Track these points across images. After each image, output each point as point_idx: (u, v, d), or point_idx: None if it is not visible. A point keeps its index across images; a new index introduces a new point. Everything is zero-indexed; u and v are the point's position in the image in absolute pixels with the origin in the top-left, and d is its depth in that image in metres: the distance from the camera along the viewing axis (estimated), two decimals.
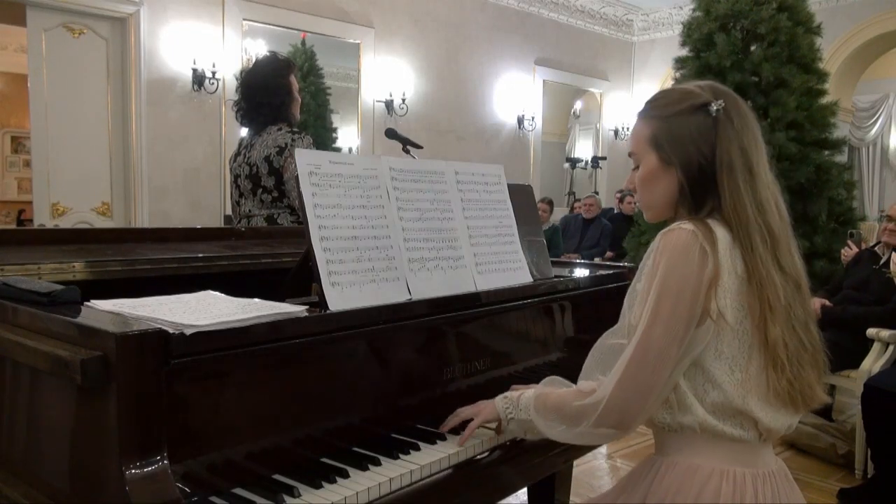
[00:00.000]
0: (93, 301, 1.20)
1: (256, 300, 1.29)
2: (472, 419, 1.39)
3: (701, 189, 1.24)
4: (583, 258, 6.35)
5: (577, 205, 8.00)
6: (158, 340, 1.02)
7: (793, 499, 1.23)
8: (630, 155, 1.35)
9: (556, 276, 1.90)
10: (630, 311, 1.25)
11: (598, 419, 1.20)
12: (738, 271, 1.18)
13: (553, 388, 1.34)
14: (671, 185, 1.27)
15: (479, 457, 1.38)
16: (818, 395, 1.24)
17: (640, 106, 1.36)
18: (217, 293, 1.35)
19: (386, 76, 6.45)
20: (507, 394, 1.37)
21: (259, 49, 5.58)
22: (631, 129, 1.36)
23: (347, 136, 6.46)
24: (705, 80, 1.33)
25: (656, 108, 1.30)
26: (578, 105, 9.06)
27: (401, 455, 1.29)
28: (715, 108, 1.24)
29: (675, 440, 1.23)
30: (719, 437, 1.19)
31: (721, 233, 1.18)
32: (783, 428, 1.23)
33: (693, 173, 1.24)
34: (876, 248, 3.71)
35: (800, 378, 1.19)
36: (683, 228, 1.17)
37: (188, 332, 1.05)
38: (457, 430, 1.42)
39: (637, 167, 1.33)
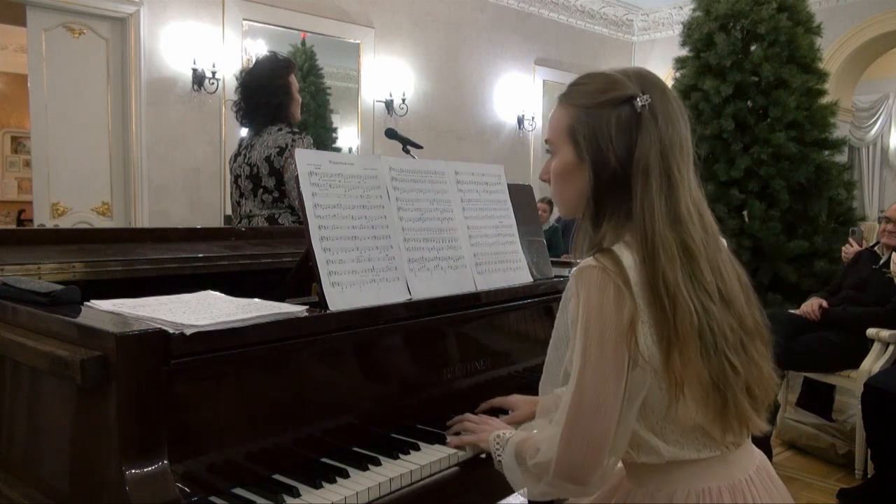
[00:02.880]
0: (93, 301, 1.20)
1: (256, 300, 1.29)
2: (471, 433, 1.36)
3: (607, 193, 1.13)
4: None
5: None
6: (158, 340, 1.02)
7: (776, 497, 1.19)
8: (546, 142, 1.23)
9: (556, 276, 1.90)
10: (560, 350, 1.17)
11: (554, 477, 1.10)
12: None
13: (533, 433, 1.23)
14: (585, 182, 1.14)
15: (479, 456, 1.38)
16: (756, 423, 1.14)
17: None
18: (217, 293, 1.35)
19: (386, 76, 6.44)
20: (501, 433, 1.28)
21: (259, 49, 5.58)
22: (552, 114, 1.22)
23: (347, 136, 6.46)
24: (634, 67, 1.20)
25: (579, 94, 1.17)
26: None
27: (401, 455, 1.29)
28: (640, 103, 1.11)
29: (645, 471, 1.17)
30: (689, 461, 1.13)
31: (629, 259, 1.07)
32: (745, 437, 1.18)
33: (604, 175, 1.12)
34: (875, 249, 3.71)
35: (728, 406, 1.09)
36: (593, 266, 1.06)
37: (188, 332, 1.05)
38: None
39: (549, 154, 1.21)
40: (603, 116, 1.13)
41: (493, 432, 1.29)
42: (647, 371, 1.06)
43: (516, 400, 1.52)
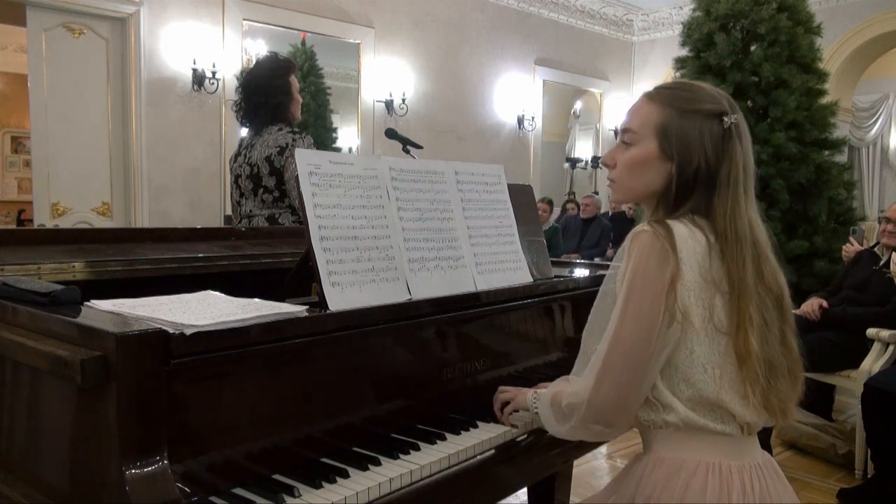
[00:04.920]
0: (93, 301, 1.20)
1: (256, 300, 1.29)
2: (509, 402, 1.48)
3: (687, 190, 1.25)
4: (583, 258, 6.35)
5: (569, 205, 8.00)
6: (158, 340, 1.02)
7: (781, 491, 1.23)
8: (625, 131, 1.31)
9: (556, 276, 1.90)
10: (604, 303, 1.29)
11: (584, 417, 1.23)
12: (701, 268, 1.19)
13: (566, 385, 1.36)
14: (661, 176, 1.27)
15: (479, 457, 1.38)
16: (790, 410, 1.24)
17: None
18: (217, 293, 1.35)
19: (386, 76, 6.45)
20: (537, 391, 1.41)
21: (259, 49, 5.58)
22: (634, 107, 1.32)
23: (347, 136, 6.46)
24: (721, 89, 1.33)
25: (675, 98, 1.28)
26: (578, 105, 9.04)
27: (401, 455, 1.29)
28: (729, 121, 1.25)
29: (660, 437, 1.24)
30: (703, 432, 1.20)
31: (681, 230, 1.19)
32: (761, 421, 1.24)
33: (688, 174, 1.24)
34: (875, 249, 3.71)
35: (774, 390, 1.20)
36: (646, 230, 1.20)
37: (188, 332, 1.05)
38: (457, 428, 1.43)
39: (625, 143, 1.30)
40: (695, 122, 1.24)
41: (530, 392, 1.43)
42: (678, 329, 1.17)
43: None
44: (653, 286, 1.16)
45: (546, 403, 1.34)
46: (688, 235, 1.19)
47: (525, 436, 1.49)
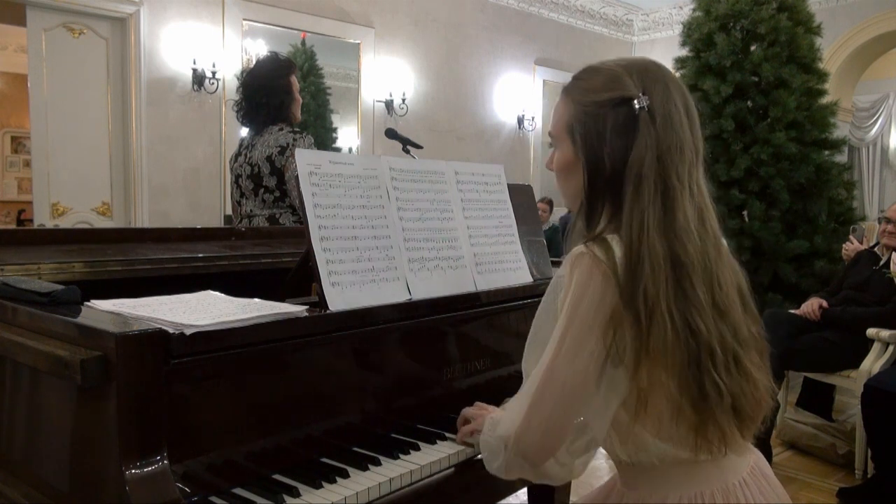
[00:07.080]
0: (93, 301, 1.20)
1: (256, 300, 1.29)
2: (472, 420, 1.36)
3: (602, 194, 1.10)
4: None
5: None
6: (158, 340, 1.02)
7: (770, 498, 1.16)
8: (549, 134, 1.21)
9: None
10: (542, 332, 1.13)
11: (511, 452, 1.08)
12: None
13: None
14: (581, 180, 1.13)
15: (479, 456, 1.38)
16: (737, 443, 1.09)
17: None
18: (217, 293, 1.35)
19: (386, 76, 6.44)
20: (495, 416, 1.24)
21: (259, 49, 5.58)
22: (556, 105, 1.19)
23: (347, 136, 6.46)
24: (639, 61, 1.14)
25: (579, 90, 1.13)
26: None
27: (401, 455, 1.29)
28: (638, 105, 1.07)
29: (638, 473, 1.15)
30: (682, 463, 1.10)
31: (620, 251, 1.04)
32: (722, 455, 1.11)
33: (599, 176, 1.09)
34: (875, 249, 3.71)
35: (707, 425, 1.04)
36: (583, 253, 1.04)
37: (188, 332, 1.05)
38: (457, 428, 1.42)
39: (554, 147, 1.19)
40: (600, 117, 1.09)
41: (489, 416, 1.26)
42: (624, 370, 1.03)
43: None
44: (592, 319, 1.01)
45: (490, 427, 1.17)
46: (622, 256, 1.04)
47: None
